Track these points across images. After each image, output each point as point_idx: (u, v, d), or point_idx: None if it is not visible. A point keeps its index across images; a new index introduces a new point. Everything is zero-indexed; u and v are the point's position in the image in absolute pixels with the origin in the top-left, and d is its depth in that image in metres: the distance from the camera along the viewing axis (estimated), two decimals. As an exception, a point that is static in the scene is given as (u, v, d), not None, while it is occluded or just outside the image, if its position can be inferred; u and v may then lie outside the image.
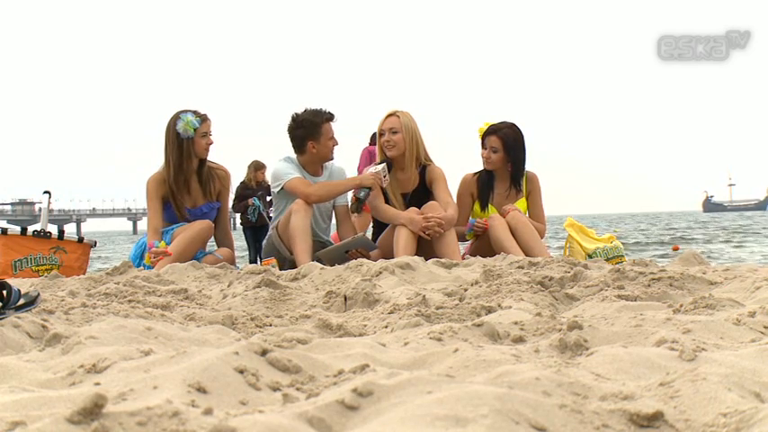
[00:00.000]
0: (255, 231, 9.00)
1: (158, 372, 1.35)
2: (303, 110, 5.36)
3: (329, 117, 5.32)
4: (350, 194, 5.46)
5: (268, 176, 7.85)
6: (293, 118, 5.35)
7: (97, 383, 1.39)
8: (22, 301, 2.20)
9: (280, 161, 5.42)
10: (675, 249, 13.66)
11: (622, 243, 6.05)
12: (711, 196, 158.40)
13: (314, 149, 5.31)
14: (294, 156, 5.42)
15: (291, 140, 5.39)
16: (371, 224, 5.69)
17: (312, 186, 5.19)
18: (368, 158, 7.84)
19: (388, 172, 5.22)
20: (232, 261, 5.27)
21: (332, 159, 5.44)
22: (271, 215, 5.96)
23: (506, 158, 5.45)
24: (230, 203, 5.79)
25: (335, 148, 5.39)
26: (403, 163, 5.32)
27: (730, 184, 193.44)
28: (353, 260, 4.14)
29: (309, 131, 5.28)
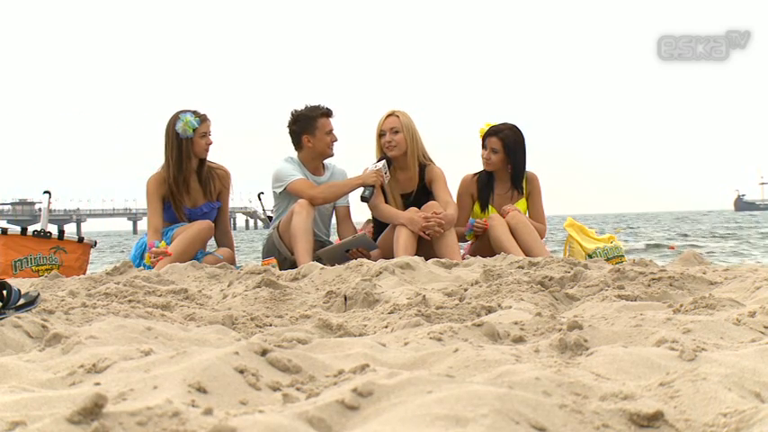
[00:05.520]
0: None
1: (158, 372, 1.35)
2: (303, 106, 5.40)
3: (326, 112, 5.36)
4: (350, 195, 5.47)
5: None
6: (291, 114, 5.41)
7: (97, 383, 1.39)
8: (22, 301, 2.20)
9: (282, 161, 5.43)
10: (672, 249, 13.64)
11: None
12: (743, 195, 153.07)
13: (309, 144, 5.33)
14: (295, 155, 5.44)
15: (290, 136, 5.43)
16: (371, 224, 5.68)
17: (317, 188, 5.21)
18: None
19: (388, 168, 5.23)
20: (232, 261, 5.27)
21: (331, 155, 5.45)
22: (269, 215, 5.95)
23: (506, 160, 5.44)
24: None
25: (335, 144, 5.40)
26: (404, 163, 5.33)
27: (762, 183, 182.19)
28: (353, 260, 4.14)
29: (305, 126, 5.32)
